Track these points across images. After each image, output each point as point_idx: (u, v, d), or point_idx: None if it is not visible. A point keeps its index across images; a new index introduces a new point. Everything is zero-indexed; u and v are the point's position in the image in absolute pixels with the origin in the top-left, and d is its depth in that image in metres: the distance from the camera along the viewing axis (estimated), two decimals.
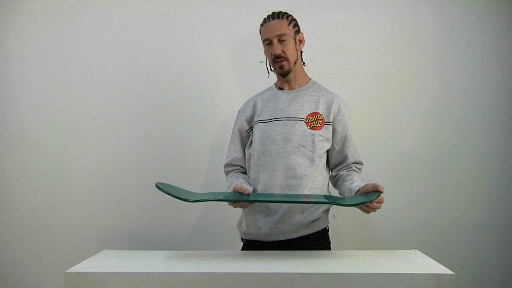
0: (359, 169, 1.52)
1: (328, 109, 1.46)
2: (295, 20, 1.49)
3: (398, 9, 2.03)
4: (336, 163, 1.51)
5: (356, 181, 1.39)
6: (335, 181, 1.52)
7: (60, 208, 2.03)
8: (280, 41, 1.44)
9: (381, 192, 1.21)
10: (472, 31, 2.02)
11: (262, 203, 1.40)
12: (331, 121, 1.45)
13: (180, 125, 2.04)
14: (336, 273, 1.09)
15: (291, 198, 1.32)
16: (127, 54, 2.04)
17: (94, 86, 2.05)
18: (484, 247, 2.00)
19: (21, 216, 2.03)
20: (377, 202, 1.22)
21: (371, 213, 1.29)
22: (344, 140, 1.48)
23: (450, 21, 2.02)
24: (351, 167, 1.49)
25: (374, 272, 1.10)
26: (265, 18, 1.49)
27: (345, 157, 1.49)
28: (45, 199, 2.03)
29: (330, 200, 1.26)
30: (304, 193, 1.40)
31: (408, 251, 1.37)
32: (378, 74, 2.02)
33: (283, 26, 1.44)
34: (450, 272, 1.08)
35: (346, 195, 1.39)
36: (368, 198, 1.20)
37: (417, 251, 1.36)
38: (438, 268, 1.13)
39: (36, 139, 2.04)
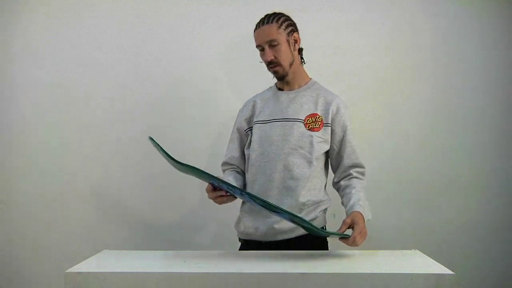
0: (361, 173, 1.48)
1: (327, 110, 1.45)
2: (287, 20, 1.45)
3: (397, 9, 2.03)
4: (336, 164, 1.50)
5: (352, 197, 1.36)
6: (337, 189, 1.51)
7: (60, 208, 2.03)
8: (271, 46, 1.42)
9: (348, 236, 1.23)
10: (471, 32, 2.02)
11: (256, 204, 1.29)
12: (330, 122, 1.44)
13: (180, 125, 2.04)
14: (336, 273, 1.09)
15: (277, 209, 1.20)
16: (127, 54, 2.04)
17: (94, 86, 2.05)
18: (484, 247, 2.00)
19: (21, 216, 2.03)
20: (356, 238, 1.23)
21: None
22: (342, 141, 1.46)
23: (449, 22, 2.03)
24: (351, 174, 1.46)
25: (374, 272, 1.10)
26: (257, 23, 1.46)
27: (341, 158, 1.47)
28: (45, 199, 2.03)
29: (309, 226, 1.20)
30: (303, 194, 1.40)
31: (408, 251, 1.37)
32: (377, 74, 2.02)
33: (272, 31, 1.41)
34: (450, 272, 1.08)
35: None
36: (337, 234, 1.23)
37: (417, 251, 1.36)
38: (438, 268, 1.13)
39: (37, 139, 2.04)
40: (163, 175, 2.04)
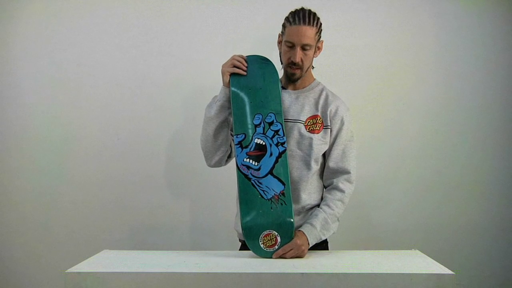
0: (345, 179, 1.41)
1: (326, 111, 1.43)
2: (321, 25, 1.42)
3: (398, 9, 2.03)
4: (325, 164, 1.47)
5: (312, 216, 1.38)
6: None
7: (60, 208, 2.03)
8: (304, 49, 1.38)
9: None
10: (471, 31, 2.02)
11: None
12: (329, 124, 1.43)
13: (181, 125, 2.04)
14: (336, 273, 1.09)
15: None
16: (127, 54, 2.04)
17: (94, 86, 2.04)
18: (484, 247, 2.00)
19: (21, 216, 2.03)
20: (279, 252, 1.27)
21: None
22: (334, 142, 1.43)
23: (450, 21, 2.02)
24: (332, 183, 1.42)
25: (374, 272, 1.10)
26: (295, 16, 1.37)
27: (328, 159, 1.43)
28: (45, 199, 2.03)
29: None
30: (302, 197, 1.41)
31: (408, 251, 1.37)
32: (378, 74, 2.02)
33: (311, 35, 1.37)
34: (450, 272, 1.08)
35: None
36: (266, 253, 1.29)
37: (417, 251, 1.36)
38: (438, 268, 1.13)
39: (36, 139, 2.04)
40: (163, 175, 2.04)
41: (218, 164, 1.50)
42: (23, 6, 2.05)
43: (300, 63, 1.39)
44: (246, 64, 1.41)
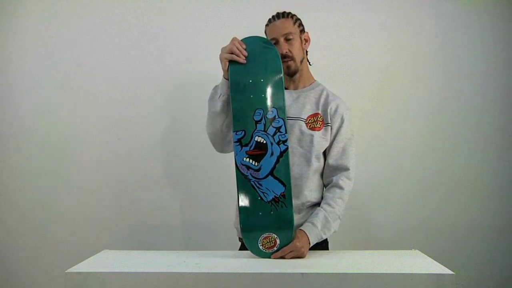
0: (345, 176, 1.42)
1: (326, 109, 1.44)
2: (299, 19, 1.48)
3: (398, 9, 2.03)
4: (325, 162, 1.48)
5: (312, 215, 1.38)
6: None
7: (60, 208, 2.03)
8: (287, 40, 1.42)
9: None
10: (472, 32, 2.02)
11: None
12: (329, 121, 1.44)
13: (181, 125, 2.04)
14: (336, 273, 1.09)
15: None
16: (127, 54, 2.04)
17: (94, 86, 2.05)
18: (484, 247, 2.00)
19: (21, 216, 2.03)
20: (278, 253, 1.27)
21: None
22: (333, 140, 1.44)
23: (450, 21, 2.02)
24: (331, 181, 1.43)
25: (374, 272, 1.10)
26: (270, 18, 1.47)
27: (328, 156, 1.44)
28: (45, 199, 2.03)
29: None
30: (304, 194, 1.41)
31: (408, 251, 1.37)
32: (378, 74, 2.02)
33: (288, 25, 1.43)
34: (450, 272, 1.08)
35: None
36: (265, 254, 1.28)
37: (417, 251, 1.36)
38: (438, 268, 1.14)
39: (36, 139, 2.04)
40: (162, 175, 2.04)
41: (230, 152, 1.49)
42: (23, 6, 2.05)
43: (289, 53, 1.43)
44: (245, 53, 1.34)
